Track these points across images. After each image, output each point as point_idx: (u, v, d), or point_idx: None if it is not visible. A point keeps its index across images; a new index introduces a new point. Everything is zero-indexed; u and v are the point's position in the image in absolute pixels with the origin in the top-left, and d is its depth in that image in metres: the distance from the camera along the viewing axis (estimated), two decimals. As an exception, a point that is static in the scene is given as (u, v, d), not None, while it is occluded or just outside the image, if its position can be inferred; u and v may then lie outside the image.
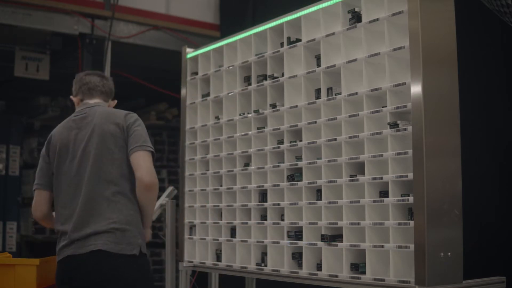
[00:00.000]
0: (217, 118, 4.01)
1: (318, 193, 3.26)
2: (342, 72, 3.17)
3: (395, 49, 2.91)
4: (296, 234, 3.36)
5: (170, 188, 4.26)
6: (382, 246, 2.87)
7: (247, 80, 3.80)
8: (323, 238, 3.15)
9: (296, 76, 3.44)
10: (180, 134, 4.30)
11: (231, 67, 3.91)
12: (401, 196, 2.84)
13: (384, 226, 2.89)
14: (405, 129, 2.83)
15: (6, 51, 6.01)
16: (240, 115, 3.80)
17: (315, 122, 3.29)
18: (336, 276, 3.07)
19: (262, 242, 3.55)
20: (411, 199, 2.75)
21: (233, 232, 3.79)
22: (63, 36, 5.82)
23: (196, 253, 4.07)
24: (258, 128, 3.66)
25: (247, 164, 3.74)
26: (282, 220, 3.47)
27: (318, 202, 3.23)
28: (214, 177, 3.99)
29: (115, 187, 2.94)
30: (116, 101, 3.36)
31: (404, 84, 2.85)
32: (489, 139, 3.98)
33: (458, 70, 2.87)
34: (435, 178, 2.71)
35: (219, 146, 3.96)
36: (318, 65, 3.34)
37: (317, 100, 3.30)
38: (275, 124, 3.56)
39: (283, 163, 3.47)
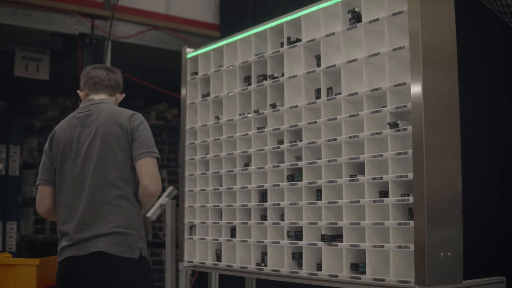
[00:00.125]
0: (217, 118, 4.01)
1: (318, 193, 3.26)
2: (342, 72, 3.17)
3: (395, 49, 2.91)
4: (296, 234, 3.36)
5: (170, 188, 4.26)
6: (382, 246, 2.88)
7: (247, 80, 3.80)
8: (323, 238, 3.15)
9: (296, 76, 3.44)
10: (180, 134, 4.30)
11: (231, 67, 3.91)
12: (401, 196, 2.84)
13: (384, 226, 2.89)
14: (405, 129, 2.83)
15: (6, 51, 6.01)
16: (240, 115, 3.80)
17: (315, 122, 3.29)
18: (336, 276, 3.07)
19: (262, 242, 3.55)
20: (411, 199, 2.75)
21: (233, 232, 3.79)
22: (63, 36, 5.82)
23: (196, 253, 4.07)
24: (258, 128, 3.66)
25: (247, 164, 3.74)
26: (282, 220, 3.47)
27: (318, 202, 3.23)
28: (214, 177, 3.99)
29: (117, 190, 2.92)
30: (124, 95, 3.30)
31: (404, 84, 2.85)
32: (489, 139, 3.98)
33: (458, 70, 2.87)
34: (435, 178, 2.71)
35: (219, 146, 3.95)
36: (318, 65, 3.34)
37: (317, 100, 3.30)
38: (275, 124, 3.56)
39: (283, 163, 3.47)
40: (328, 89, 3.27)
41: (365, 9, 3.09)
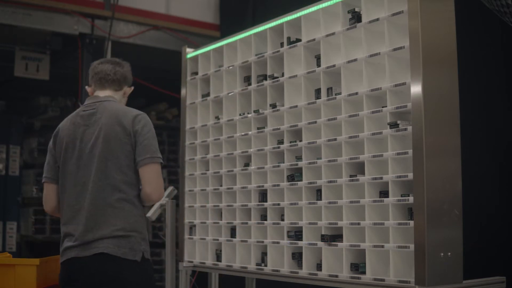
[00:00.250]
0: (217, 118, 4.01)
1: (318, 193, 3.25)
2: (342, 72, 3.17)
3: (395, 49, 2.91)
4: (296, 234, 3.36)
5: (170, 188, 4.25)
6: (382, 246, 2.87)
7: (247, 80, 3.80)
8: (323, 238, 3.15)
9: (296, 76, 3.44)
10: (180, 134, 4.30)
11: (231, 67, 3.91)
12: (401, 196, 2.84)
13: (384, 226, 2.89)
14: (405, 129, 2.83)
15: (6, 51, 6.01)
16: (240, 115, 3.80)
17: (315, 122, 3.29)
18: (336, 276, 3.07)
19: (262, 242, 3.55)
20: (411, 199, 2.75)
21: (233, 232, 3.79)
22: (63, 36, 5.82)
23: (196, 253, 4.07)
24: (258, 128, 3.66)
25: (247, 164, 3.74)
26: (282, 220, 3.47)
27: (318, 202, 3.23)
28: (214, 177, 3.99)
29: (120, 193, 2.90)
30: (132, 88, 3.26)
31: (404, 84, 2.85)
32: (489, 139, 3.98)
33: (458, 70, 2.87)
34: (435, 178, 2.70)
35: (219, 146, 3.95)
36: (318, 65, 3.34)
37: (317, 100, 3.30)
38: (275, 124, 3.56)
39: (283, 163, 3.47)
40: (328, 89, 3.27)
41: (365, 9, 3.09)
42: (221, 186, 3.92)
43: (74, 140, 3.00)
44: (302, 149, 3.36)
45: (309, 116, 3.35)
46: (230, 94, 3.90)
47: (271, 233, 3.51)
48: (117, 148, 2.92)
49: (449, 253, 2.69)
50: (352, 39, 3.18)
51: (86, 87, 3.21)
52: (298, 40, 3.47)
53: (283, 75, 3.53)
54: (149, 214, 4.09)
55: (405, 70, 2.87)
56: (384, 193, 2.93)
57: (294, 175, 3.40)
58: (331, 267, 3.13)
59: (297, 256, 3.36)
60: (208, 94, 4.10)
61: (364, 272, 2.95)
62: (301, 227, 3.31)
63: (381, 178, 2.92)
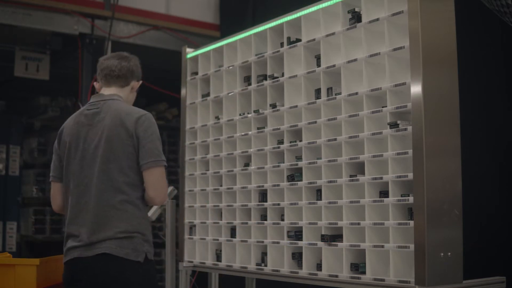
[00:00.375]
0: (217, 118, 4.01)
1: (318, 193, 3.25)
2: (342, 72, 3.17)
3: (395, 49, 2.91)
4: (296, 234, 3.36)
5: (170, 188, 4.25)
6: (382, 246, 2.87)
7: (247, 80, 3.80)
8: (323, 238, 3.15)
9: (296, 76, 3.44)
10: (180, 134, 4.30)
11: (231, 67, 3.91)
12: (401, 196, 2.84)
13: (384, 226, 2.89)
14: (405, 129, 2.83)
15: (6, 51, 6.01)
16: (240, 115, 3.80)
17: (315, 122, 3.29)
18: (336, 276, 3.07)
19: (262, 242, 3.55)
20: (411, 199, 2.75)
21: (233, 232, 3.79)
22: (63, 36, 5.82)
23: (196, 253, 4.07)
24: (258, 128, 3.66)
25: (247, 164, 3.74)
26: (282, 220, 3.47)
27: (318, 202, 3.23)
28: (214, 177, 3.98)
29: (123, 195, 2.88)
30: (141, 82, 3.21)
31: (404, 84, 2.85)
32: (489, 139, 3.98)
33: (458, 70, 2.87)
34: (435, 178, 2.70)
35: (219, 146, 3.95)
36: (318, 65, 3.34)
37: (317, 100, 3.30)
38: (275, 124, 3.56)
39: (283, 163, 3.47)
40: (328, 89, 3.27)
41: (365, 9, 3.09)
42: (221, 186, 3.92)
43: (77, 139, 2.98)
44: (302, 149, 3.36)
45: (309, 116, 3.35)
46: (230, 94, 3.90)
47: (271, 233, 3.51)
48: (119, 149, 2.89)
49: (449, 253, 2.69)
50: (352, 39, 3.18)
51: (95, 83, 3.18)
52: (298, 40, 3.47)
53: (283, 75, 3.53)
54: (149, 214, 4.10)
55: (405, 70, 2.87)
56: (384, 193, 2.93)
57: (294, 175, 3.40)
58: (331, 267, 3.13)
59: (297, 256, 3.36)
60: (208, 94, 4.10)
61: (364, 272, 2.95)
62: (301, 227, 3.31)
63: (381, 178, 2.92)
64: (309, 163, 3.31)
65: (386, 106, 2.94)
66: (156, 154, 2.93)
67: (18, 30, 5.44)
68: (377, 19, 3.00)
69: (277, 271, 3.42)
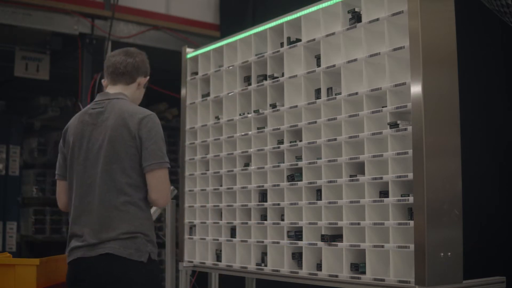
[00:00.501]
0: (217, 118, 4.01)
1: (318, 193, 3.25)
2: (342, 72, 3.17)
3: (395, 49, 2.91)
4: (296, 234, 3.36)
5: (170, 188, 4.25)
6: (382, 246, 2.87)
7: (247, 80, 3.80)
8: (323, 238, 3.15)
9: (296, 76, 3.44)
10: (180, 134, 4.31)
11: (231, 67, 3.91)
12: (401, 196, 2.84)
13: (384, 226, 2.89)
14: (405, 129, 2.83)
15: (6, 51, 6.01)
16: (240, 115, 3.80)
17: (315, 122, 3.29)
18: (336, 276, 3.07)
19: (262, 242, 3.55)
20: (411, 199, 2.75)
21: (233, 232, 3.79)
22: (63, 36, 5.82)
23: (196, 253, 4.07)
24: (258, 128, 3.66)
25: (247, 164, 3.74)
26: (282, 220, 3.47)
27: (318, 202, 3.23)
28: (214, 177, 3.98)
29: (125, 196, 2.87)
30: (147, 78, 3.16)
31: (404, 84, 2.85)
32: (489, 139, 3.98)
33: (458, 70, 2.87)
34: (435, 178, 2.70)
35: (219, 146, 3.95)
36: (318, 65, 3.34)
37: (317, 100, 3.30)
38: (275, 124, 3.56)
39: (283, 163, 3.47)
40: (328, 89, 3.27)
41: (365, 9, 3.09)
42: (221, 186, 3.92)
43: (81, 139, 2.96)
44: (302, 149, 3.36)
45: (309, 116, 3.35)
46: (230, 94, 3.90)
47: (271, 233, 3.51)
48: (122, 150, 2.88)
49: (449, 253, 2.69)
50: (352, 39, 3.18)
51: (102, 80, 3.16)
52: (298, 40, 3.47)
53: (283, 75, 3.53)
54: (149, 214, 4.10)
55: (405, 70, 2.87)
56: (384, 193, 2.93)
57: (294, 175, 3.40)
58: (331, 267, 3.13)
59: (297, 256, 3.36)
60: (208, 94, 4.10)
61: (364, 272, 2.95)
62: (301, 227, 3.31)
63: (381, 178, 2.92)
64: (309, 163, 3.31)
65: (386, 106, 2.94)
66: (160, 156, 2.90)
67: (18, 30, 5.44)
68: (377, 19, 3.00)
69: (277, 271, 3.42)
